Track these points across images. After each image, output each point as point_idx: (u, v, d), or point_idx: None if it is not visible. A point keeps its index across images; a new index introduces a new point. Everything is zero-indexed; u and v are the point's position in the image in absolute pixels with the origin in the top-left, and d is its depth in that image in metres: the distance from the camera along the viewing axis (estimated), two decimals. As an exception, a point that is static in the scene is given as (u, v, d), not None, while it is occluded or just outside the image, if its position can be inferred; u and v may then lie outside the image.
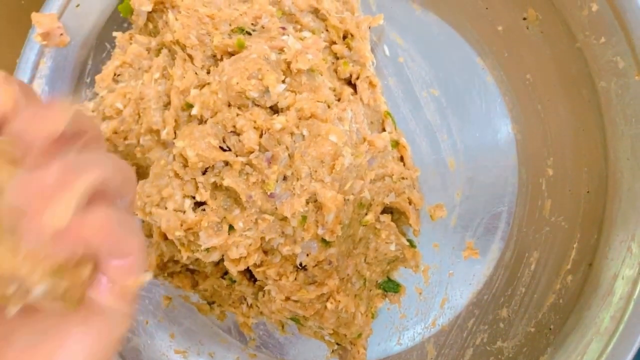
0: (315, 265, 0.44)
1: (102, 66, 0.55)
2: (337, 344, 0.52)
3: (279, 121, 0.41)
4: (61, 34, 0.51)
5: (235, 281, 0.51)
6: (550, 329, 0.44)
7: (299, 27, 0.49)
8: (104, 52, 0.55)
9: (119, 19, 0.54)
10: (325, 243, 0.43)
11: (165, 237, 0.48)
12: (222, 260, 0.46)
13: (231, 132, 0.43)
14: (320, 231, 0.42)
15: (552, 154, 0.48)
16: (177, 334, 0.55)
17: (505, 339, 0.47)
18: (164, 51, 0.47)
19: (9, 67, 0.62)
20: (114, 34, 0.52)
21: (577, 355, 0.40)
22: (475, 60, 0.52)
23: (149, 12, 0.48)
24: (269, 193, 0.42)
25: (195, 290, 0.55)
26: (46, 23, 0.50)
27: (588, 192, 0.44)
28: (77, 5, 0.52)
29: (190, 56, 0.46)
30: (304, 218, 0.42)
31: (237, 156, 0.42)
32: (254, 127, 0.42)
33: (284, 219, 0.43)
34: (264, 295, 0.49)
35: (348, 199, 0.44)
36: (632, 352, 0.38)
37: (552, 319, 0.44)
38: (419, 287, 0.52)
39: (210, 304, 0.56)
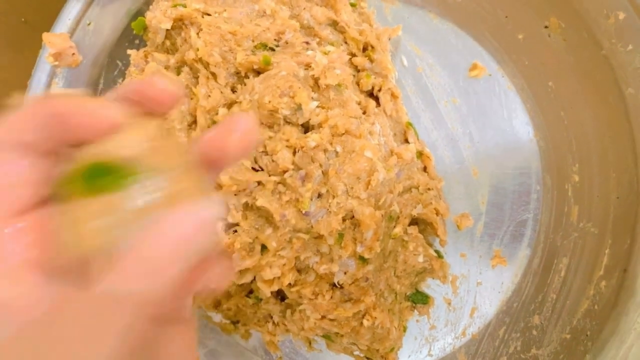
0: (352, 282, 0.43)
1: (114, 85, 0.54)
2: (367, 358, 0.52)
3: (313, 139, 0.41)
4: (73, 54, 0.50)
5: (261, 299, 0.50)
6: (587, 335, 0.44)
7: (317, 39, 0.49)
8: (116, 69, 0.54)
9: (130, 36, 0.53)
10: (363, 260, 0.43)
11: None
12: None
13: (262, 152, 0.42)
14: (359, 249, 0.42)
15: (577, 160, 0.48)
16: (202, 357, 0.54)
17: (539, 347, 0.47)
18: (185, 69, 0.46)
19: (10, 84, 0.60)
20: (128, 51, 0.50)
21: (619, 361, 0.40)
22: (495, 69, 0.52)
23: (167, 30, 0.47)
24: (303, 211, 0.41)
25: (218, 310, 0.54)
26: (58, 43, 0.48)
27: (618, 197, 0.45)
28: (89, 24, 0.50)
29: (213, 74, 0.45)
30: (341, 236, 0.42)
31: (270, 176, 0.41)
32: (287, 146, 0.41)
33: (319, 237, 0.42)
34: (292, 314, 0.48)
35: (381, 214, 0.44)
36: (675, 356, 0.38)
37: (587, 325, 0.44)
38: (448, 298, 0.52)
39: (234, 323, 0.55)
